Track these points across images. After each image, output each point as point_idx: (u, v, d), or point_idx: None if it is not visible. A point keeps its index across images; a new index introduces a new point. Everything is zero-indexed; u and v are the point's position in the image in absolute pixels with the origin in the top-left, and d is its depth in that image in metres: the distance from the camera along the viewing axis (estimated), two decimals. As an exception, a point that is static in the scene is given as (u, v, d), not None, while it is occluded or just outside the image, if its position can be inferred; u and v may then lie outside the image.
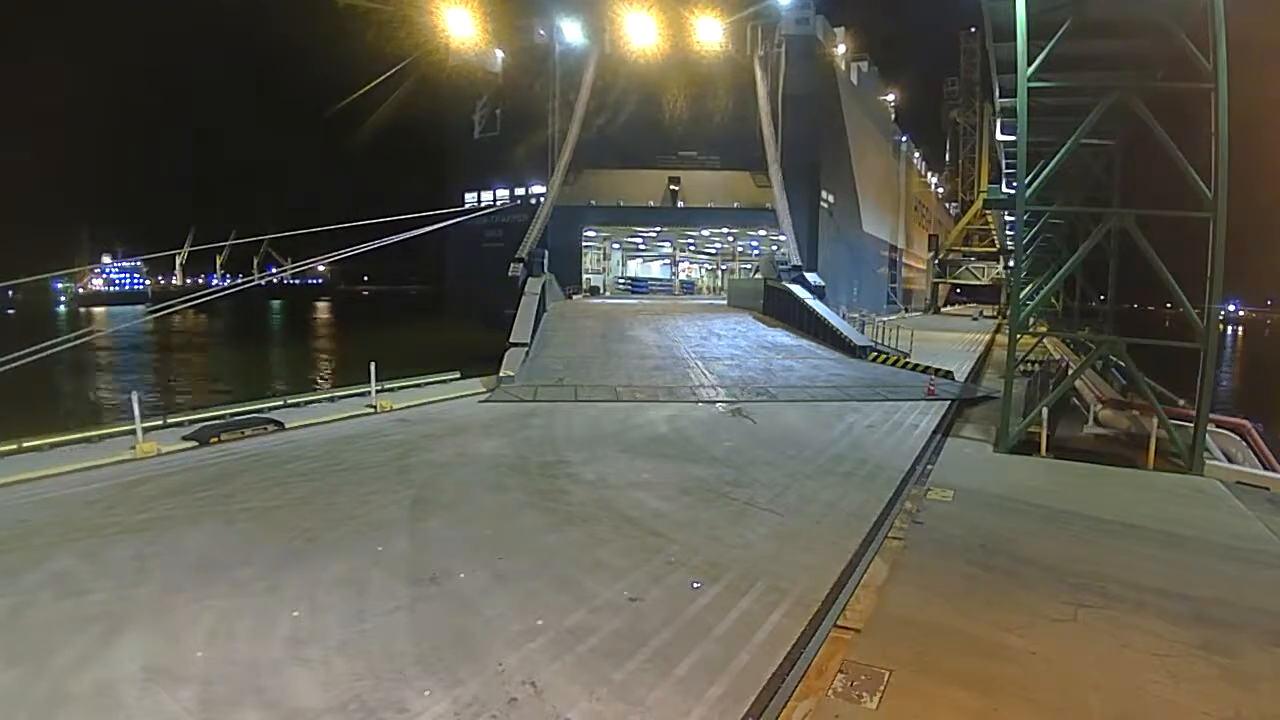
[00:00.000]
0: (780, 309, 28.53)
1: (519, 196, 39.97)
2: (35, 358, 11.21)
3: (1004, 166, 32.27)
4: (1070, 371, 17.01)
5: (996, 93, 18.04)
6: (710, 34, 37.18)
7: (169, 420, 12.37)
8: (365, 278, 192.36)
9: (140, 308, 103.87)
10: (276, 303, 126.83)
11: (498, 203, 40.27)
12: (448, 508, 8.59)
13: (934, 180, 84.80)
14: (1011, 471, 11.09)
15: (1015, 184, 14.14)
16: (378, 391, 15.15)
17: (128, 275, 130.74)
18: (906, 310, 62.43)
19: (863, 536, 7.98)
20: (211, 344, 62.86)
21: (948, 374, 19.56)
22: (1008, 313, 28.66)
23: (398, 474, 9.92)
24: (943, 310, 71.41)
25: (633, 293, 45.03)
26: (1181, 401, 14.77)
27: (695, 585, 6.55)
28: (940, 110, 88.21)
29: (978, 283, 70.64)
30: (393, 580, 6.48)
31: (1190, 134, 11.41)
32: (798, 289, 27.95)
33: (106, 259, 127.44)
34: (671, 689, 4.92)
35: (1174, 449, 11.79)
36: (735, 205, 39.59)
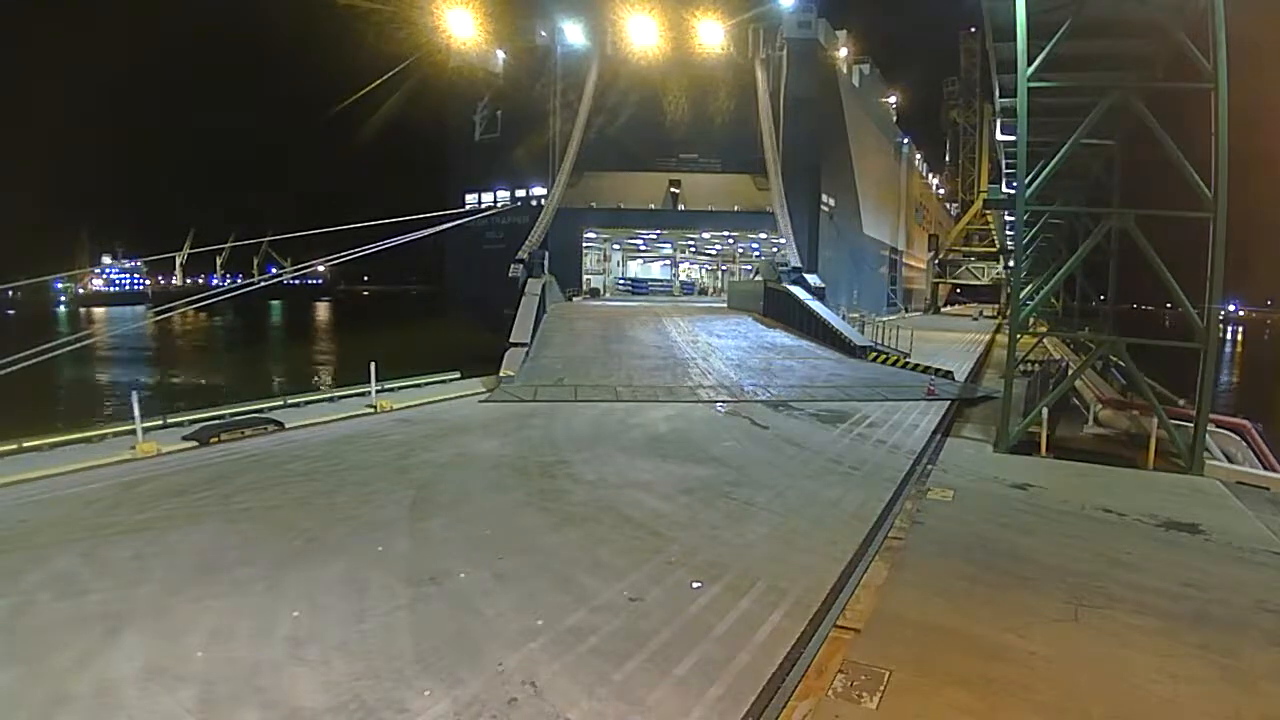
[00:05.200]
0: (780, 310, 28.53)
1: (519, 198, 39.96)
2: (36, 360, 11.21)
3: (1004, 166, 32.32)
4: (1070, 371, 17.02)
5: (996, 93, 18.06)
6: (712, 36, 37.16)
7: (169, 420, 12.35)
8: (365, 278, 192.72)
9: (140, 308, 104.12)
10: (276, 303, 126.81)
11: (498, 204, 40.26)
12: (448, 508, 8.58)
13: (934, 181, 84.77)
14: (1011, 471, 11.09)
15: (1015, 184, 14.15)
16: (378, 391, 15.14)
17: (128, 276, 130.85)
18: (906, 310, 62.43)
19: (863, 536, 7.98)
20: (211, 344, 62.93)
21: (948, 374, 19.56)
22: (1008, 313, 28.67)
23: (398, 474, 9.91)
24: (943, 310, 71.41)
25: (633, 294, 45.02)
26: (1181, 401, 14.76)
27: (695, 585, 6.55)
28: (940, 110, 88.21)
29: (978, 283, 70.61)
30: (393, 580, 6.47)
31: (1190, 134, 11.41)
32: (798, 290, 27.94)
33: (106, 259, 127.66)
34: (671, 689, 4.92)
35: (1174, 449, 11.79)
36: (736, 208, 39.57)
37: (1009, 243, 56.41)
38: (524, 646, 5.38)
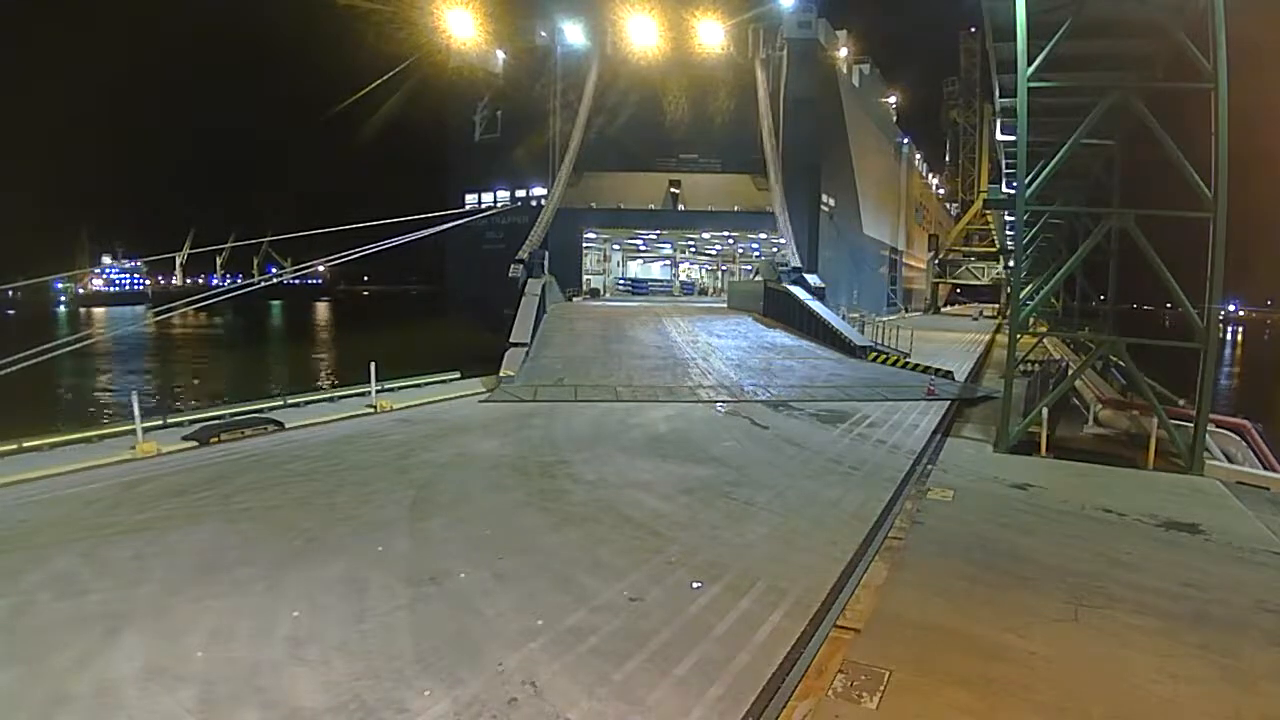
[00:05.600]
0: (780, 310, 28.54)
1: (519, 198, 39.96)
2: (36, 361, 11.21)
3: (1004, 166, 32.32)
4: (1070, 371, 17.02)
5: (996, 93, 18.06)
6: (712, 37, 37.16)
7: (169, 420, 12.35)
8: (365, 278, 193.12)
9: (140, 308, 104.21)
10: (276, 303, 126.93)
11: (498, 204, 40.26)
12: (448, 508, 8.58)
13: (934, 181, 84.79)
14: (1011, 471, 11.09)
15: (1015, 184, 14.15)
16: (378, 391, 15.14)
17: (128, 276, 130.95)
18: (906, 310, 62.45)
19: (863, 536, 7.98)
20: (211, 344, 62.92)
21: (948, 374, 19.56)
22: (1008, 313, 28.67)
23: (398, 474, 9.91)
24: (943, 310, 71.44)
25: (633, 294, 45.03)
26: (1181, 401, 14.77)
27: (695, 585, 6.55)
28: (940, 110, 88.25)
29: (978, 283, 70.62)
30: (393, 580, 6.47)
31: (1190, 134, 11.41)
32: (798, 290, 27.94)
33: (107, 259, 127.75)
34: (671, 689, 4.92)
35: (1174, 449, 11.79)
36: (736, 208, 39.59)
37: (1009, 243, 56.42)
38: (524, 646, 5.38)
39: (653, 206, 40.09)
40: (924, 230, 77.22)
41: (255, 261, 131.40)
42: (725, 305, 35.77)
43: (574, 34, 38.55)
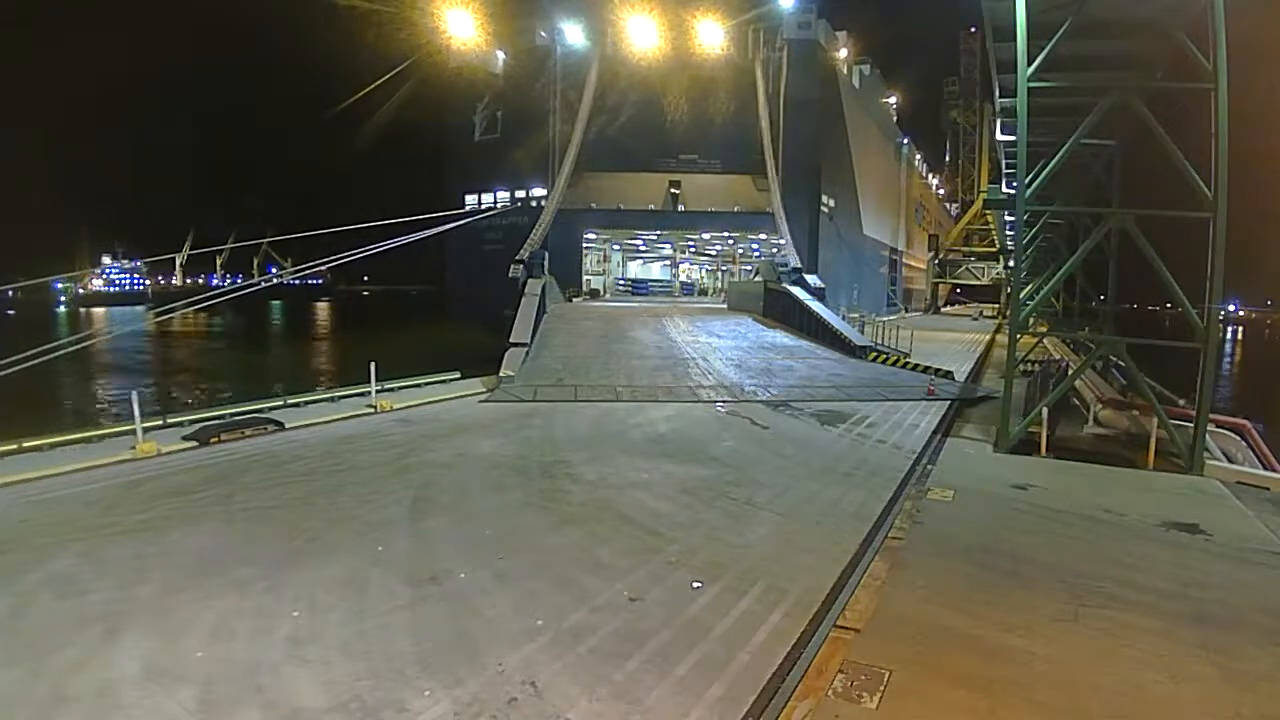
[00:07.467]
0: (780, 310, 28.54)
1: (519, 199, 39.98)
2: (36, 361, 11.21)
3: (1004, 166, 32.35)
4: (1070, 371, 17.02)
5: (996, 93, 18.08)
6: (712, 37, 37.23)
7: (169, 420, 12.34)
8: (365, 278, 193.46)
9: (140, 308, 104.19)
10: (276, 303, 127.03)
11: (498, 205, 40.27)
12: (448, 508, 8.58)
13: (934, 181, 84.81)
14: (1011, 471, 11.09)
15: (1015, 184, 14.16)
16: (378, 391, 15.12)
17: (128, 276, 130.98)
18: (906, 310, 62.46)
19: (863, 536, 7.99)
20: (211, 344, 62.92)
21: (948, 374, 19.55)
22: (1008, 313, 28.68)
23: (398, 474, 9.91)
24: (943, 310, 71.44)
25: (633, 294, 45.03)
26: (1181, 401, 14.77)
27: (695, 585, 6.55)
28: (940, 110, 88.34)
29: (978, 283, 70.62)
30: (393, 580, 6.47)
31: (1190, 134, 11.42)
32: (797, 291, 27.94)
33: (106, 259, 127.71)
34: (671, 689, 4.92)
35: (1174, 449, 11.79)
36: (736, 209, 39.61)
37: (1009, 243, 56.44)
38: (524, 646, 5.38)
39: (653, 207, 40.11)
40: (924, 230, 77.23)
41: (255, 262, 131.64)
42: (725, 306, 35.77)
43: (574, 34, 38.59)
